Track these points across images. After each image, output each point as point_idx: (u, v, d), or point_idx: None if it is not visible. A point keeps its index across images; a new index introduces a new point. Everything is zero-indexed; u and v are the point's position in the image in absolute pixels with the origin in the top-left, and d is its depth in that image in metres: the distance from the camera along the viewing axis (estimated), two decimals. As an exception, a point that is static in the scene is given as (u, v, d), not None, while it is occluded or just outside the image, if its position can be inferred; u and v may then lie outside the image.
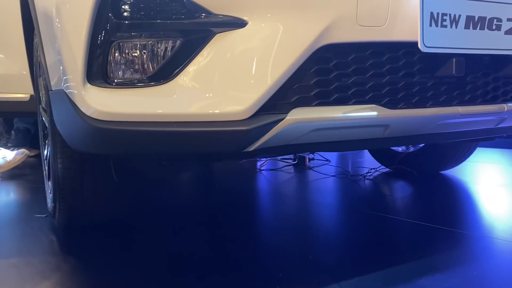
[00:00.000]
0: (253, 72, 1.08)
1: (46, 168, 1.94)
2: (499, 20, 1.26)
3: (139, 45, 1.12)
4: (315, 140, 1.18)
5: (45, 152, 1.96)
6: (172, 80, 1.12)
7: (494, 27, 1.26)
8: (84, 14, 1.10)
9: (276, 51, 1.08)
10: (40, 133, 2.07)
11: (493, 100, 1.37)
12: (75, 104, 1.18)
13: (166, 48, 1.12)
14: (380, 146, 1.49)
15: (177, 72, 1.11)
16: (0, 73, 2.28)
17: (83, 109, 1.16)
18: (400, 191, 2.39)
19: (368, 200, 2.18)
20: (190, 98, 1.10)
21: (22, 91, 2.31)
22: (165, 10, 1.09)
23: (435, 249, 1.43)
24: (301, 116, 1.10)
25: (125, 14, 1.10)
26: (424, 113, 1.24)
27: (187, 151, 1.14)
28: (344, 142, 1.23)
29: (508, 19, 1.27)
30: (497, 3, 1.26)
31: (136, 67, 1.13)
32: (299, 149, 1.27)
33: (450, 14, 1.18)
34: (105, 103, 1.13)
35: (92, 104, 1.14)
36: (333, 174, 2.80)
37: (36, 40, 1.77)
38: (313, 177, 2.75)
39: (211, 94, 1.09)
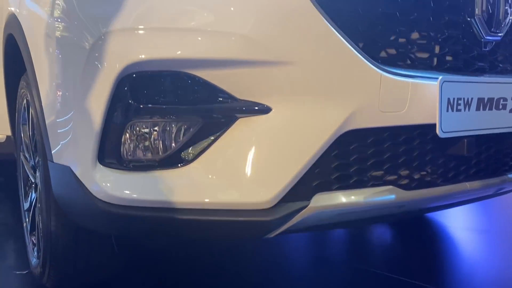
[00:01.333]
0: (276, 160, 1.06)
1: (27, 220, 1.84)
2: (505, 99, 1.30)
3: (157, 127, 1.08)
4: (333, 221, 1.17)
5: (26, 203, 1.86)
6: (190, 164, 1.08)
7: (500, 106, 1.30)
8: (102, 93, 1.05)
9: (300, 138, 1.06)
10: (20, 182, 1.96)
11: (496, 172, 1.41)
12: (83, 184, 1.12)
13: (185, 131, 1.08)
14: (393, 220, 1.50)
15: (196, 156, 1.08)
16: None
17: (92, 191, 1.10)
18: (382, 237, 2.41)
19: (350, 251, 2.18)
20: (209, 185, 1.06)
21: (-3, 132, 2.19)
22: (187, 94, 1.06)
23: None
24: (324, 203, 1.09)
25: (145, 97, 1.05)
26: (435, 192, 1.26)
27: (204, 238, 1.10)
28: (360, 220, 1.23)
29: (512, 98, 1.31)
30: (503, 84, 1.30)
31: (153, 149, 1.09)
32: (316, 229, 1.26)
33: (464, 98, 1.20)
34: (117, 187, 1.08)
35: (103, 187, 1.08)
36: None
37: (22, 83, 1.68)
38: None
39: (231, 182, 1.06)
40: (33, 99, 1.41)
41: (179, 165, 1.08)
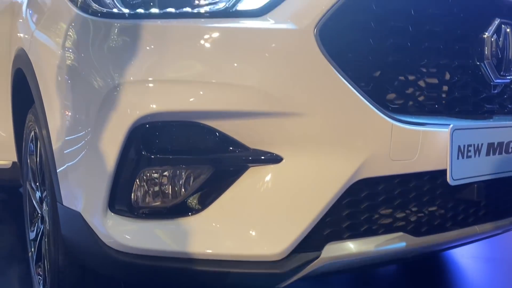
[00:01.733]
0: (288, 211, 1.05)
1: (33, 250, 1.83)
2: (514, 142, 1.30)
3: (168, 176, 1.08)
4: (344, 268, 1.17)
5: (32, 233, 1.86)
6: (201, 213, 1.08)
7: (510, 150, 1.29)
8: (114, 141, 1.05)
9: (312, 188, 1.06)
10: (26, 210, 1.95)
11: (505, 213, 1.41)
12: (93, 231, 1.12)
13: (196, 180, 1.08)
14: (402, 263, 1.49)
15: (207, 205, 1.07)
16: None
17: (102, 238, 1.10)
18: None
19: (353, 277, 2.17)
20: (219, 235, 1.06)
21: (3, 158, 2.18)
22: (198, 144, 1.06)
23: None
24: (335, 253, 1.09)
25: (157, 146, 1.05)
26: (445, 237, 1.26)
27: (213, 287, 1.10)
28: (370, 265, 1.23)
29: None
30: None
31: (163, 198, 1.09)
32: (327, 275, 1.26)
33: (474, 145, 1.20)
34: (128, 235, 1.08)
35: (113, 235, 1.08)
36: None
37: (30, 116, 1.68)
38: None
39: (241, 232, 1.05)
40: (42, 135, 1.41)
41: (189, 214, 1.08)
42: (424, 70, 1.21)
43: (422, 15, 1.19)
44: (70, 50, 1.21)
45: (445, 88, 1.24)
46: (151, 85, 1.03)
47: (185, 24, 1.05)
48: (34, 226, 1.83)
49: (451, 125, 1.14)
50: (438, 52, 1.23)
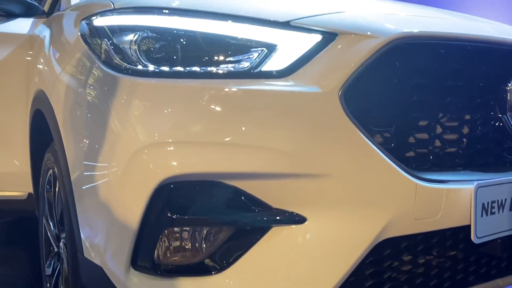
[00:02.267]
0: (311, 272, 1.05)
1: (49, 286, 1.83)
2: (538, 194, 1.29)
3: (191, 234, 1.08)
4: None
5: (48, 268, 1.86)
6: (223, 272, 1.07)
7: (534, 203, 1.28)
8: (139, 200, 1.04)
9: (336, 250, 1.05)
10: (42, 244, 1.96)
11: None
12: (115, 286, 1.12)
13: (219, 239, 1.07)
14: None
15: (229, 264, 1.07)
16: (0, 171, 2.16)
17: (124, 294, 1.10)
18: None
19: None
20: (243, 294, 1.05)
21: (19, 189, 2.19)
22: (222, 203, 1.05)
23: None
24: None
25: (181, 205, 1.05)
26: (468, 293, 1.24)
27: None
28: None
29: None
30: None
31: (186, 256, 1.08)
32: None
33: (497, 201, 1.19)
34: (151, 293, 1.07)
35: (135, 292, 1.08)
36: None
37: (48, 155, 1.69)
38: None
39: (265, 292, 1.05)
40: (62, 181, 1.41)
41: (212, 272, 1.07)
42: (447, 125, 1.20)
43: (445, 71, 1.19)
44: (93, 103, 1.21)
45: (467, 141, 1.23)
46: (176, 146, 1.03)
47: (210, 85, 1.06)
48: (50, 262, 1.84)
49: (475, 184, 1.13)
50: (461, 106, 1.23)
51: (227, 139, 1.03)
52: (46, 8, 2.51)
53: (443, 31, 1.15)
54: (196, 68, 1.09)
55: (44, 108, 1.60)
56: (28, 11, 2.24)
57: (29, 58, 2.09)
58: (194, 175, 1.02)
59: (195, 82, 1.07)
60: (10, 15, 2.20)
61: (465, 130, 1.23)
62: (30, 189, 2.21)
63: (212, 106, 1.04)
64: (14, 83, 2.11)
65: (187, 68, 1.09)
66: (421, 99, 1.15)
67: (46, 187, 1.80)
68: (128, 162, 1.06)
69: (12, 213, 2.34)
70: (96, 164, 1.18)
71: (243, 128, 1.03)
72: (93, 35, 1.27)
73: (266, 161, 1.02)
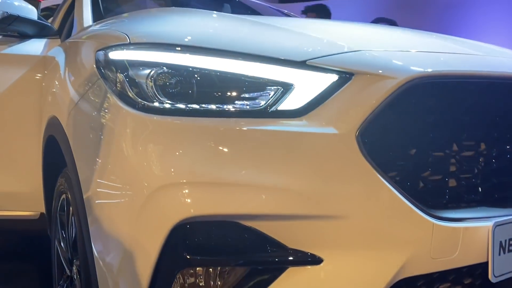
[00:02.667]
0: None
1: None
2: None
3: (207, 274, 1.07)
4: None
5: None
6: (239, 313, 1.07)
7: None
8: (155, 241, 1.05)
9: (351, 291, 1.05)
10: (54, 266, 1.96)
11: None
12: (131, 323, 1.12)
13: (234, 279, 1.07)
14: None
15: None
16: (13, 191, 2.18)
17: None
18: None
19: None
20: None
21: (32, 209, 2.21)
22: (237, 243, 1.05)
23: None
24: None
25: (196, 245, 1.05)
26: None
27: None
28: None
29: None
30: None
31: (202, 296, 1.08)
32: None
33: (515, 237, 1.18)
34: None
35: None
36: None
37: (61, 180, 1.70)
38: None
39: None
40: (76, 207, 1.41)
41: (229, 313, 1.07)
42: (463, 160, 1.19)
43: (462, 106, 1.19)
44: (108, 138, 1.21)
45: (484, 176, 1.22)
46: (192, 187, 1.03)
47: (226, 125, 1.06)
48: (63, 286, 1.84)
49: (493, 222, 1.12)
50: (477, 140, 1.22)
51: (243, 180, 1.03)
52: (56, 25, 2.55)
53: (461, 70, 1.14)
54: (213, 106, 1.09)
55: (57, 135, 1.61)
56: (41, 32, 2.27)
57: (42, 79, 2.11)
58: (210, 216, 1.02)
59: (211, 122, 1.07)
60: (23, 36, 2.23)
61: (481, 164, 1.22)
62: (42, 209, 2.22)
63: (229, 147, 1.04)
64: (28, 104, 2.13)
65: (203, 106, 1.10)
66: (437, 136, 1.14)
67: (59, 210, 1.81)
68: (145, 202, 1.06)
69: (24, 232, 2.36)
70: (111, 201, 1.19)
71: (259, 169, 1.03)
72: (108, 68, 1.28)
73: (282, 203, 1.02)
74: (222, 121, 1.07)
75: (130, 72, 1.20)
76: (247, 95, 1.10)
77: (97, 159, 1.25)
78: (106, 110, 1.22)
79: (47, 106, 1.85)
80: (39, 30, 2.24)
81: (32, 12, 2.18)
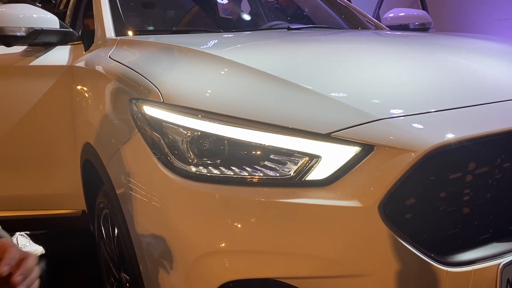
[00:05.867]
0: None
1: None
2: None
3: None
4: None
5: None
6: None
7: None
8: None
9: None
10: (102, 263, 2.15)
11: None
12: None
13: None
14: None
15: None
16: (57, 192, 2.36)
17: None
18: None
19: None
20: None
21: (74, 207, 2.39)
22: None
23: None
24: None
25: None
26: None
27: None
28: None
29: None
30: None
31: None
32: None
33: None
34: None
35: None
36: None
37: (101, 197, 1.85)
38: None
39: None
40: (119, 226, 1.56)
41: None
42: (477, 206, 1.29)
43: (480, 161, 1.25)
44: (146, 197, 1.35)
45: (495, 216, 1.32)
46: (232, 254, 1.18)
47: (261, 196, 1.18)
48: (112, 284, 2.03)
49: (501, 265, 1.24)
50: (488, 185, 1.30)
51: (277, 248, 1.16)
52: (67, 21, 2.57)
53: (480, 131, 1.20)
54: (247, 175, 1.20)
55: (93, 160, 1.75)
56: (64, 39, 2.32)
57: (72, 90, 2.20)
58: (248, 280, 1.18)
59: (247, 192, 1.19)
60: (48, 45, 2.28)
61: (492, 205, 1.31)
62: (84, 207, 2.40)
63: (264, 217, 1.17)
64: (61, 111, 2.24)
65: (238, 174, 1.21)
66: (452, 197, 1.23)
67: (103, 222, 1.97)
68: (189, 267, 1.21)
69: (68, 227, 2.56)
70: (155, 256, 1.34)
71: (292, 238, 1.16)
72: (146, 123, 1.37)
73: (314, 267, 1.16)
74: (256, 191, 1.19)
75: (168, 135, 1.30)
76: (277, 165, 1.21)
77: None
78: (148, 171, 1.35)
79: (80, 130, 1.97)
80: (62, 38, 2.29)
81: (53, 21, 2.23)
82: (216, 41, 2.04)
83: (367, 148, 1.16)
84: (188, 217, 1.23)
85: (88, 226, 2.42)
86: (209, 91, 1.39)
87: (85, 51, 2.25)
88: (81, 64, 2.14)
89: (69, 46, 2.31)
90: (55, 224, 2.44)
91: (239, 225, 1.18)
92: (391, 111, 1.22)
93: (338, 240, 1.15)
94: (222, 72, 1.50)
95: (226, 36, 2.27)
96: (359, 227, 1.15)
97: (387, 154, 1.15)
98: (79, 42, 2.31)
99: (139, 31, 2.25)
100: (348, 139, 1.17)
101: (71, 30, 2.32)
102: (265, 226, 1.17)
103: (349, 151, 1.17)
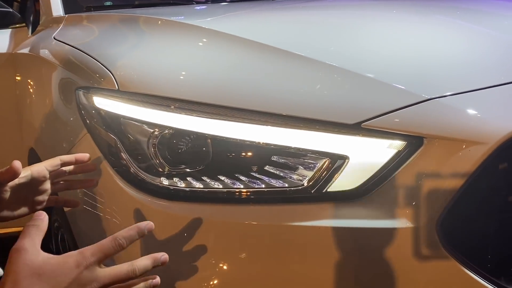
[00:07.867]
0: None
1: None
2: None
3: None
4: None
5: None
6: None
7: None
8: None
9: None
10: None
11: None
12: None
13: None
14: None
15: None
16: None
17: None
18: None
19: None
20: None
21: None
22: None
23: None
24: None
25: None
26: None
27: None
28: None
29: None
30: None
31: None
32: None
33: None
34: None
35: None
36: None
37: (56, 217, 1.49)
38: None
39: None
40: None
41: None
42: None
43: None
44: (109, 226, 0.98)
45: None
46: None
47: (265, 219, 0.81)
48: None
49: None
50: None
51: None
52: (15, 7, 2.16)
53: None
54: (242, 187, 0.84)
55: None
56: (3, 21, 1.91)
57: (15, 83, 1.81)
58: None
59: (244, 212, 0.83)
60: (-19, 28, 1.87)
61: None
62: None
63: (273, 251, 0.81)
64: (2, 109, 1.85)
65: (230, 188, 0.84)
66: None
67: (61, 243, 1.61)
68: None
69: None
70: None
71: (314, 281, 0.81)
72: (97, 121, 0.99)
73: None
74: (256, 210, 0.83)
75: (128, 135, 0.93)
76: (283, 171, 0.83)
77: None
78: (101, 187, 0.97)
79: (25, 133, 1.57)
80: (0, 20, 1.88)
81: (-14, -3, 1.83)
82: (190, 11, 1.65)
83: (414, 142, 0.81)
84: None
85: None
86: (183, 73, 1.01)
87: (30, 34, 1.85)
88: (25, 50, 1.74)
89: (10, 29, 1.90)
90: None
91: (235, 267, 0.82)
92: (442, 88, 0.86)
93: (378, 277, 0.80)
94: (202, 46, 1.11)
95: (200, 7, 1.88)
96: (410, 252, 0.79)
97: (443, 149, 0.80)
98: (22, 24, 1.91)
99: (93, 7, 1.84)
100: (386, 129, 0.80)
101: (10, 10, 1.91)
102: (275, 266, 0.80)
103: (388, 148, 0.82)
